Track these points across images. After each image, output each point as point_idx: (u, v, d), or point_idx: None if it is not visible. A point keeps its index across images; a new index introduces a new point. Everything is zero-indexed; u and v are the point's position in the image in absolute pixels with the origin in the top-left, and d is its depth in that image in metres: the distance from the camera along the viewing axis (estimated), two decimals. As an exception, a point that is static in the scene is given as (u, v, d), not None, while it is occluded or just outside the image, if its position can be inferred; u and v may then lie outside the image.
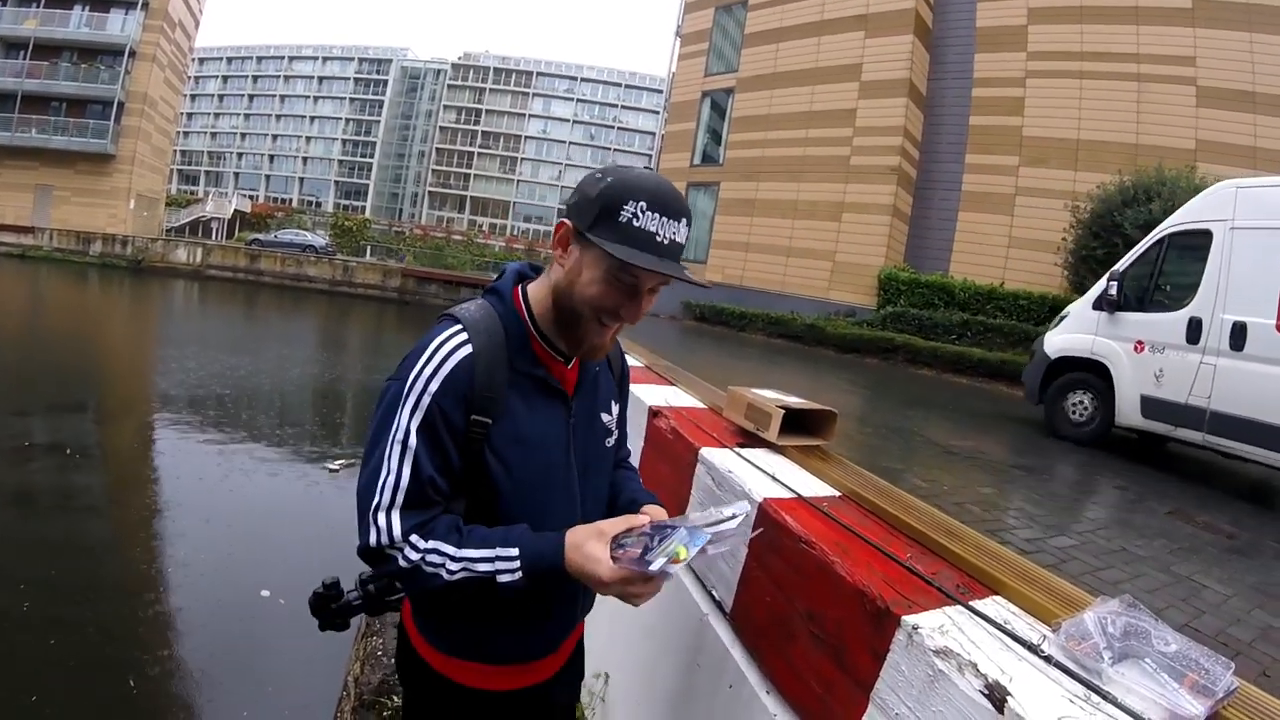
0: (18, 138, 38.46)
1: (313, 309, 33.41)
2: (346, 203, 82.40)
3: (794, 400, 3.00)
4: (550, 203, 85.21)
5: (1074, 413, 7.77)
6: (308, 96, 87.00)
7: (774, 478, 2.47)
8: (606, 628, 3.27)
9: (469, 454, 1.44)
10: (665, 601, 2.79)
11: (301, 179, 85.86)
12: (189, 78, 58.12)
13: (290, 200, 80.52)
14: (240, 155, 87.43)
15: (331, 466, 10.00)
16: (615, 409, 1.77)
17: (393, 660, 4.41)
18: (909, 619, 1.59)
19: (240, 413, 12.86)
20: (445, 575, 1.37)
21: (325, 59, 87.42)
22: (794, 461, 2.75)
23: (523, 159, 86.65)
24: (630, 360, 5.03)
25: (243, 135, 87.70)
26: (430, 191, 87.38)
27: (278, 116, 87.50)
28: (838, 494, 2.43)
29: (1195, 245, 6.82)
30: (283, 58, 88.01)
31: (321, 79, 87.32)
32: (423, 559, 1.38)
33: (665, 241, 1.37)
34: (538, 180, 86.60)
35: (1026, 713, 1.32)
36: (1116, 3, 17.00)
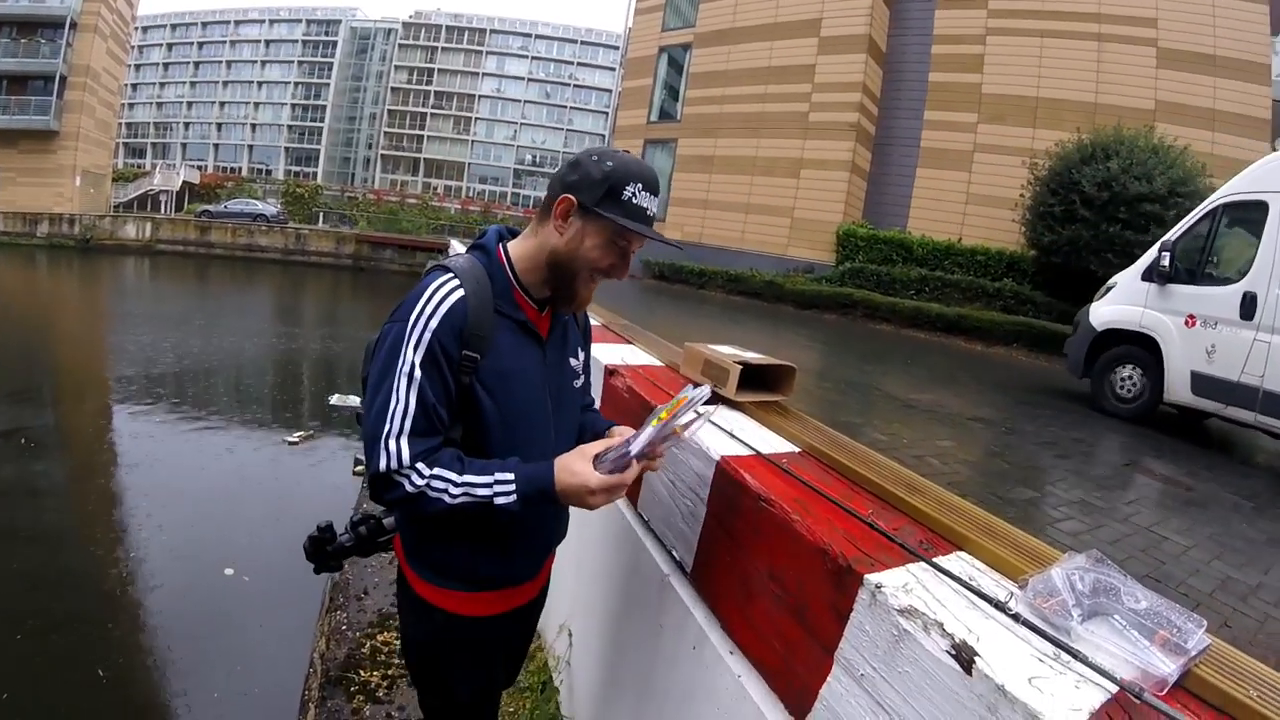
0: (-43, 120, 36.59)
1: (266, 280, 32.66)
2: (297, 169, 79.62)
3: (752, 356, 2.91)
4: (506, 163, 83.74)
5: (1121, 388, 7.55)
6: (255, 61, 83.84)
7: (732, 435, 2.40)
8: (569, 584, 3.27)
9: (461, 386, 1.62)
10: (626, 562, 2.76)
11: (250, 147, 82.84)
12: (132, 47, 55.66)
13: (240, 169, 77.76)
14: (187, 125, 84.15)
15: (291, 439, 9.74)
16: (581, 356, 1.99)
17: (358, 635, 4.40)
18: (872, 577, 1.54)
19: (196, 390, 12.48)
20: (448, 500, 1.56)
21: (272, 22, 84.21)
22: (753, 418, 2.68)
23: (477, 119, 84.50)
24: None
25: (189, 104, 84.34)
26: (383, 154, 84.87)
27: (225, 83, 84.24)
28: (797, 450, 2.37)
29: (1250, 218, 6.61)
30: (228, 22, 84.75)
31: (269, 43, 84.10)
32: (428, 484, 1.56)
33: (651, 214, 1.70)
34: (493, 140, 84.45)
35: (995, 673, 1.27)
36: (1079, -39, 17.02)
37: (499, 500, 1.57)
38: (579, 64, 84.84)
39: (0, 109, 37.30)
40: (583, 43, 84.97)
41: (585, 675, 3.14)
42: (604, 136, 70.96)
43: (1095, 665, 1.31)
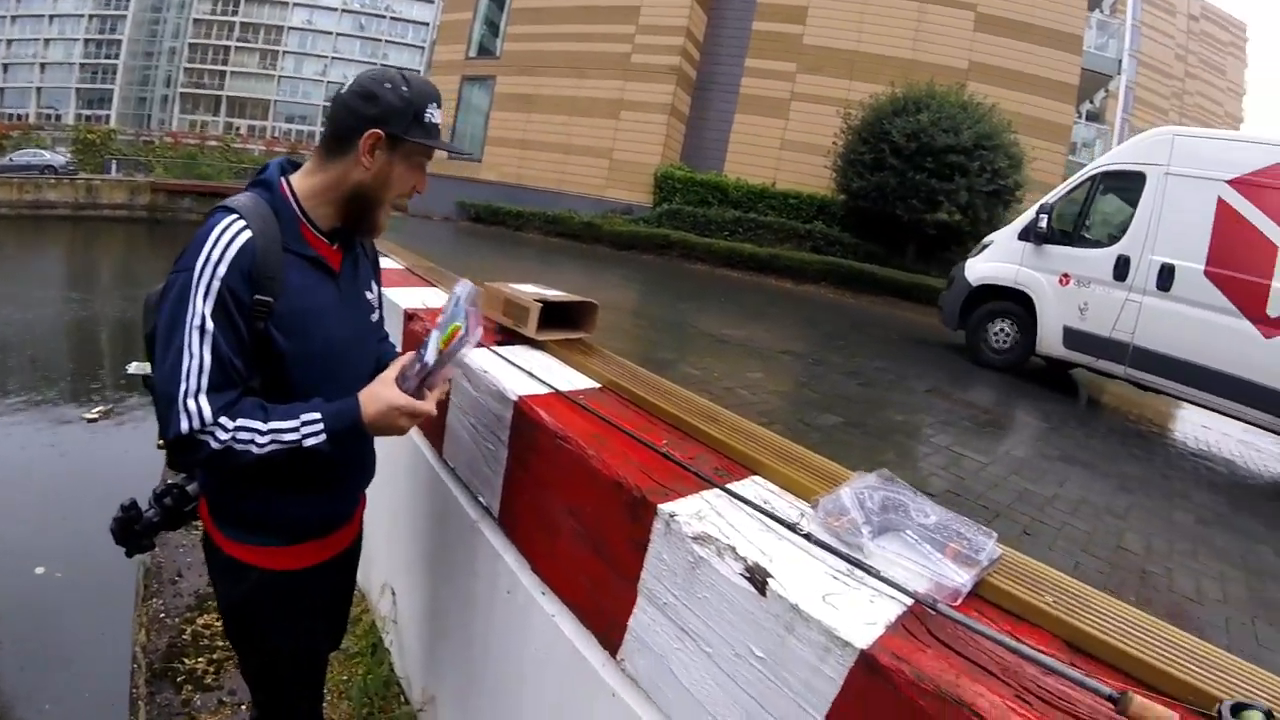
0: None
1: (56, 238, 29.76)
2: (90, 113, 71.22)
3: (553, 293, 2.86)
4: (315, 100, 78.18)
5: (996, 340, 7.88)
6: (46, -8, 74.83)
7: (531, 374, 2.34)
8: (385, 542, 3.24)
9: (255, 332, 1.54)
10: (436, 512, 2.72)
11: (39, 89, 73.73)
12: None
13: (27, 116, 69.42)
14: (-33, 68, 74.69)
15: (89, 415, 8.88)
16: (374, 289, 1.94)
17: (178, 621, 4.26)
18: (665, 507, 1.54)
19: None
20: (255, 450, 1.49)
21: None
22: (555, 356, 2.65)
23: (285, 53, 78.69)
24: (389, 263, 4.77)
25: (-31, 43, 74.80)
26: (183, 93, 77.20)
27: (12, 18, 74.17)
28: (598, 386, 2.36)
29: (1127, 186, 7.01)
30: (16, -50, 75.17)
31: (63, -30, 75.33)
32: (233, 438, 1.48)
33: (441, 127, 1.70)
34: (301, 76, 78.97)
35: (788, 592, 1.29)
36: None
37: (308, 441, 1.53)
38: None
39: None
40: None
41: (413, 632, 3.12)
42: (420, 71, 68.46)
43: (889, 580, 1.32)
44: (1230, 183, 6.23)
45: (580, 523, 1.84)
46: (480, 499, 2.40)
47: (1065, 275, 7.19)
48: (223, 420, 1.47)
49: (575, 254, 14.49)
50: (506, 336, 2.82)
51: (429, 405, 1.63)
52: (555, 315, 2.78)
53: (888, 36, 17.74)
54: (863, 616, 1.22)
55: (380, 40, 79.36)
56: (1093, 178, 7.43)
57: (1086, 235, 7.39)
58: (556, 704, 1.98)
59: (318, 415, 1.54)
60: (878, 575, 1.32)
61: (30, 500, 6.73)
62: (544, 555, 2.06)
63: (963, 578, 1.32)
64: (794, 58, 18.54)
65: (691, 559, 1.45)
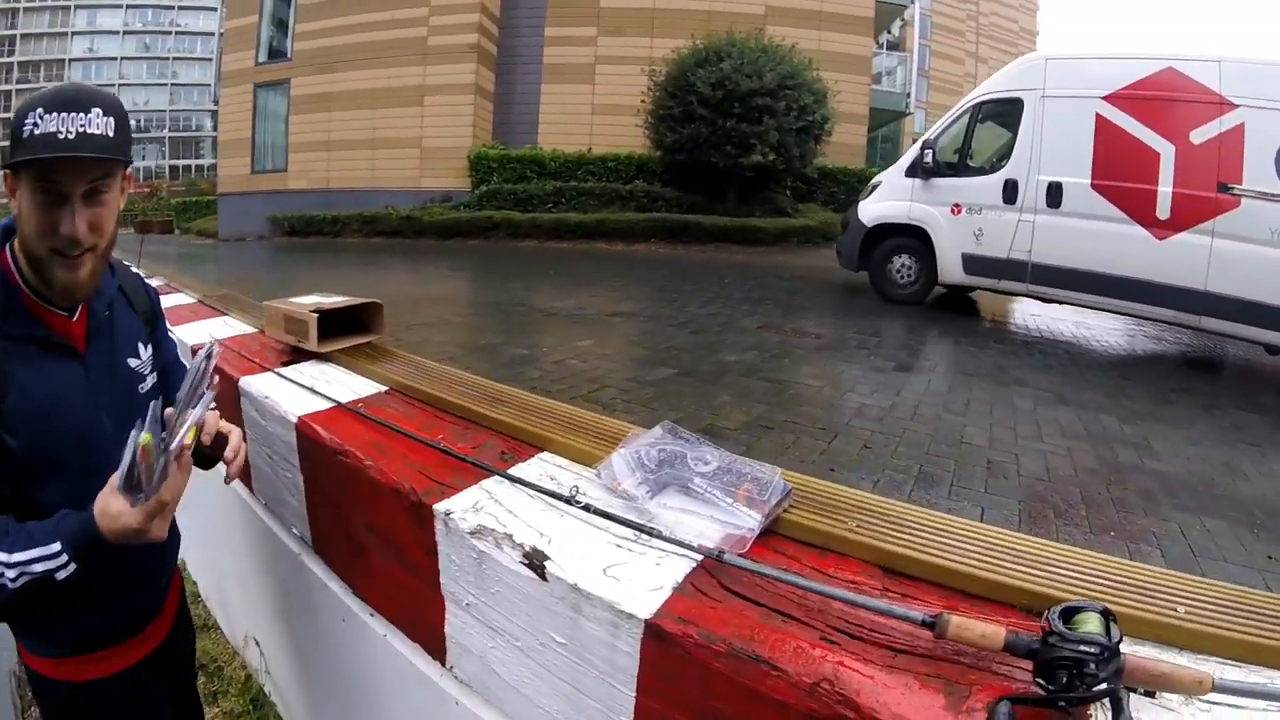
0: None
1: None
2: None
3: (332, 300, 2.70)
4: (107, 132, 73.40)
5: (900, 276, 8.02)
6: None
7: (312, 389, 2.23)
8: (236, 590, 3.20)
9: None
10: (264, 551, 2.59)
11: None
12: None
13: None
14: None
15: None
16: (146, 351, 1.65)
17: None
18: (440, 506, 1.49)
19: None
20: (9, 585, 1.23)
21: None
22: (342, 366, 2.50)
23: (69, 87, 73.12)
24: (179, 298, 4.45)
25: None
26: None
27: None
28: (385, 389, 2.24)
29: (1006, 113, 7.29)
30: None
31: None
32: None
33: (72, 136, 1.28)
34: (87, 109, 73.72)
35: (566, 573, 1.24)
36: None
37: (60, 575, 1.25)
38: (180, 7, 75.27)
39: None
40: (182, -18, 75.49)
41: (286, 678, 2.98)
42: (210, 86, 64.85)
43: (673, 538, 1.27)
44: (1106, 99, 6.58)
45: (379, 537, 1.76)
46: (294, 530, 2.29)
47: (956, 205, 7.46)
48: None
49: (399, 251, 14.11)
50: (292, 356, 2.65)
51: (168, 495, 1.25)
52: (340, 322, 2.63)
53: (683, -10, 17.91)
54: (647, 583, 1.17)
55: (168, 58, 74.43)
56: (971, 109, 7.75)
57: (971, 164, 7.68)
58: (414, 723, 1.92)
59: (57, 546, 1.25)
60: (661, 536, 1.26)
61: None
62: (361, 576, 1.97)
63: (751, 521, 1.28)
64: (593, 21, 18.52)
65: (475, 554, 1.40)
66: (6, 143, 1.33)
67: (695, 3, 17.83)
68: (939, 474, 3.10)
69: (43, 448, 1.37)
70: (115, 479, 1.24)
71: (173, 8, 74.67)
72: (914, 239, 7.89)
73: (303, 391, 2.19)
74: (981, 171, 7.46)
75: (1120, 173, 6.49)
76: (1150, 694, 0.94)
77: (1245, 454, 3.81)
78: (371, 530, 1.77)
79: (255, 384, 2.37)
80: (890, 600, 1.14)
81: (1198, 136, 6.12)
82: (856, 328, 6.44)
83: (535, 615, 1.32)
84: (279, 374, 2.41)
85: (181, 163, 71.39)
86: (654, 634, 1.10)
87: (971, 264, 7.40)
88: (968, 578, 1.21)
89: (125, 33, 73.78)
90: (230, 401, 2.49)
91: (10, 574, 1.23)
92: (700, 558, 1.22)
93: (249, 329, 3.34)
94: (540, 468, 1.58)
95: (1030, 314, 8.01)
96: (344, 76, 19.83)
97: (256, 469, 2.42)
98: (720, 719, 1.09)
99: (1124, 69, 6.60)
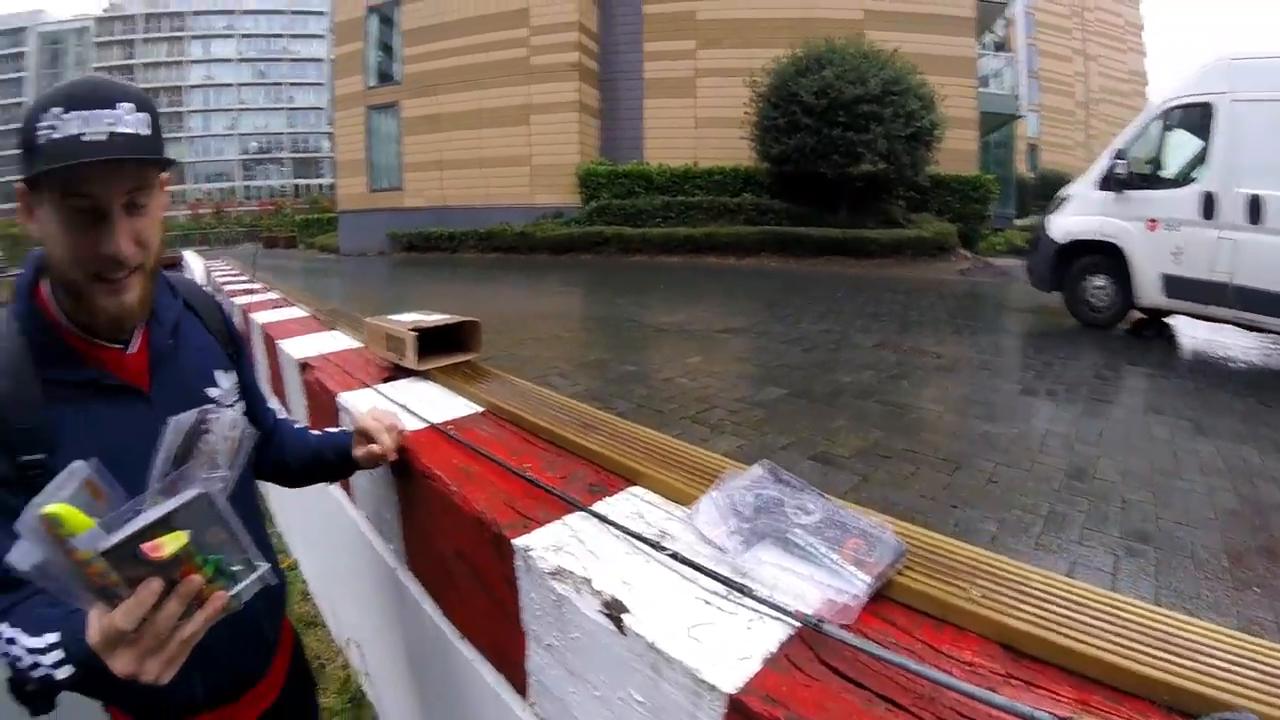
0: None
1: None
2: (8, 205, 70.34)
3: (433, 318, 2.69)
4: (230, 155, 77.64)
5: (1095, 298, 7.48)
6: (-58, 87, 73.00)
7: (407, 408, 2.17)
8: (345, 596, 3.19)
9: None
10: (366, 562, 2.56)
11: None
12: None
13: None
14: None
15: None
16: (228, 378, 1.45)
17: None
18: (520, 541, 1.37)
19: None
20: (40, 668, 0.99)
21: (-52, 42, 73.62)
22: (439, 385, 2.47)
23: (190, 112, 77.75)
24: (292, 312, 4.55)
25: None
26: None
27: None
28: (480, 410, 2.19)
29: (1196, 119, 6.72)
30: (-100, 45, 73.32)
31: (-50, 66, 73.53)
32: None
33: (102, 137, 1.06)
34: (211, 133, 77.94)
35: (645, 629, 1.09)
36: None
37: (59, 673, 0.99)
38: (290, 36, 79.43)
39: None
40: (292, 12, 79.41)
41: (383, 683, 2.98)
42: (323, 109, 67.45)
43: (766, 600, 1.12)
44: None
45: (467, 564, 1.67)
46: (391, 546, 2.25)
47: (1152, 220, 6.87)
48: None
49: (513, 266, 14.41)
50: (391, 373, 2.65)
51: (161, 626, 0.90)
52: (438, 340, 2.61)
53: (778, -1, 17.71)
54: (734, 650, 1.04)
55: (283, 84, 78.29)
56: (1159, 115, 7.16)
57: (1165, 176, 7.08)
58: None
59: (56, 636, 1.00)
60: (754, 595, 1.13)
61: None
62: (450, 600, 1.89)
63: (858, 585, 1.13)
64: (691, 35, 18.57)
65: (554, 597, 1.28)
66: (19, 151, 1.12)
67: (790, 10, 17.66)
68: (1069, 514, 2.88)
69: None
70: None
71: (284, 36, 78.69)
72: (1108, 257, 7.26)
73: (399, 410, 2.18)
74: (1176, 183, 6.87)
75: None
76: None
77: None
78: (460, 557, 1.70)
79: (353, 400, 2.38)
80: (1014, 690, 0.98)
81: None
82: (977, 346, 6.14)
83: (614, 668, 1.19)
84: (377, 391, 2.41)
85: (303, 182, 75.08)
86: (738, 711, 0.98)
87: (1173, 286, 6.74)
88: (1103, 665, 1.04)
89: (240, 60, 78.28)
90: (330, 416, 2.53)
91: (26, 658, 1.01)
92: (797, 625, 1.09)
93: (354, 344, 3.38)
94: (629, 504, 1.47)
95: (1178, 332, 7.43)
96: (451, 98, 20.46)
97: (358, 483, 2.44)
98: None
99: None
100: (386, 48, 22.82)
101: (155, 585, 0.86)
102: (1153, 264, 6.86)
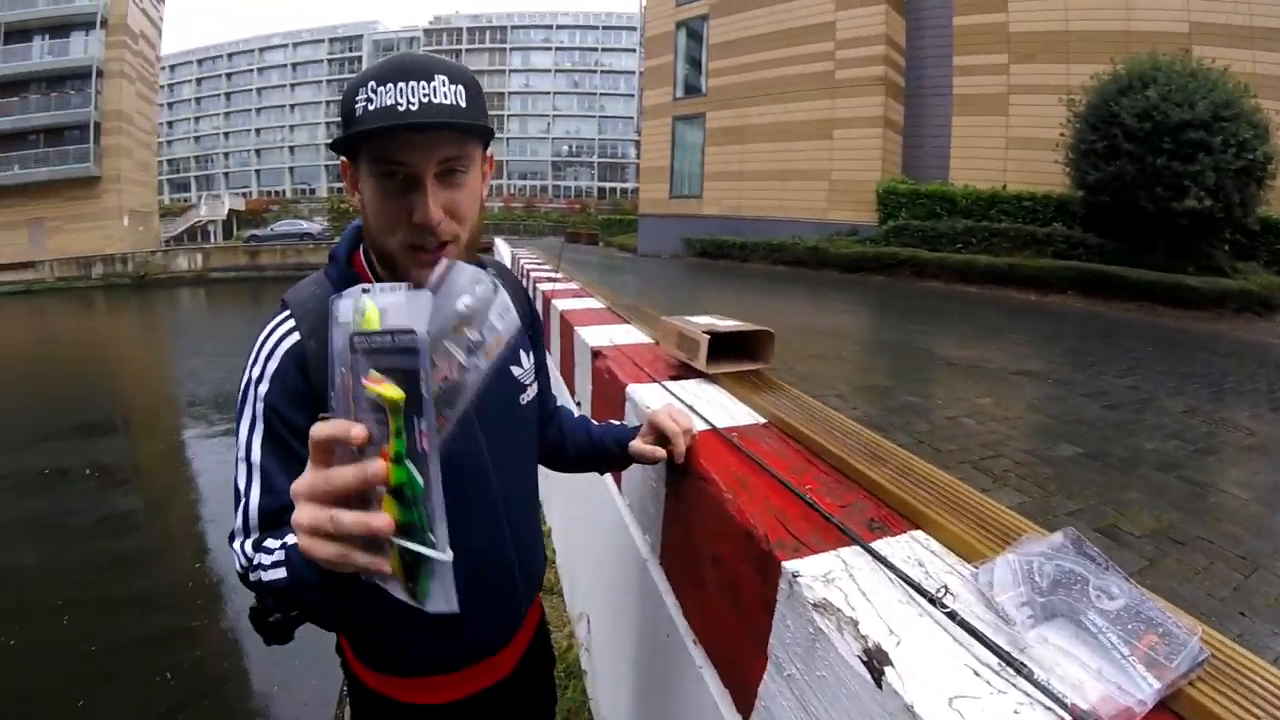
0: (0, 177, 37.70)
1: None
2: (340, 186, 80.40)
3: (726, 324, 2.72)
4: (543, 156, 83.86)
5: None
6: (284, 85, 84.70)
7: (692, 409, 2.20)
8: (587, 571, 3.31)
9: None
10: (618, 546, 2.64)
11: (291, 168, 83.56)
12: (161, 87, 55.47)
13: (284, 191, 79.33)
14: (227, 155, 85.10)
15: None
16: (528, 358, 1.50)
17: None
18: (790, 565, 1.31)
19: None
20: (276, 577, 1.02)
21: (296, 45, 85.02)
22: (725, 390, 2.49)
23: (509, 116, 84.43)
24: (590, 303, 4.80)
25: (226, 135, 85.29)
26: None
27: (258, 110, 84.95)
28: (762, 422, 2.17)
29: None
30: (253, 50, 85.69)
31: (295, 65, 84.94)
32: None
33: (415, 106, 1.08)
34: (527, 136, 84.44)
35: (906, 688, 1.00)
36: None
37: (267, 575, 1.02)
38: (603, 49, 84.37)
39: (40, 162, 38.20)
40: (604, 27, 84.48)
41: (602, 660, 3.11)
42: (634, 119, 71.22)
43: (1043, 685, 1.01)
44: None
45: (721, 572, 1.66)
46: (648, 537, 2.29)
47: None
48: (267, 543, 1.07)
49: (800, 280, 14.35)
50: (680, 371, 2.72)
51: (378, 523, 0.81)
52: (730, 346, 2.64)
53: (1096, 10, 16.36)
54: (996, 734, 0.95)
55: (595, 94, 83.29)
56: None
57: None
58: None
59: (284, 543, 1.02)
60: (1030, 677, 1.02)
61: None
62: (694, 602, 1.89)
63: (1145, 689, 0.99)
64: (1003, 48, 17.57)
65: (812, 629, 1.22)
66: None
67: (1111, 23, 16.11)
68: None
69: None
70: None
71: (596, 49, 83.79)
72: None
73: (686, 410, 2.22)
74: None
75: None
76: None
77: None
78: (715, 564, 1.69)
79: (641, 392, 2.44)
80: None
81: None
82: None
83: (855, 718, 1.12)
84: (664, 387, 2.47)
85: (607, 184, 79.68)
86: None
87: None
88: None
89: (556, 71, 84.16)
90: (617, 405, 2.62)
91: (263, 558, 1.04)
92: (1069, 718, 0.98)
93: (645, 339, 3.50)
94: (909, 548, 1.37)
95: None
96: (755, 110, 20.73)
97: (629, 470, 2.46)
98: None
99: None
100: (694, 61, 23.51)
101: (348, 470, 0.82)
102: None
